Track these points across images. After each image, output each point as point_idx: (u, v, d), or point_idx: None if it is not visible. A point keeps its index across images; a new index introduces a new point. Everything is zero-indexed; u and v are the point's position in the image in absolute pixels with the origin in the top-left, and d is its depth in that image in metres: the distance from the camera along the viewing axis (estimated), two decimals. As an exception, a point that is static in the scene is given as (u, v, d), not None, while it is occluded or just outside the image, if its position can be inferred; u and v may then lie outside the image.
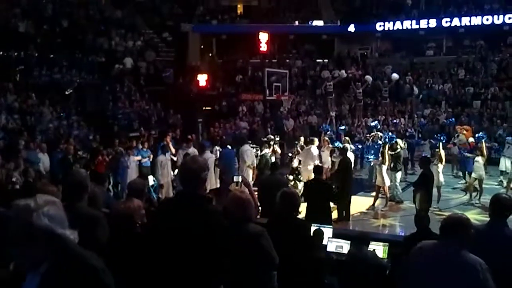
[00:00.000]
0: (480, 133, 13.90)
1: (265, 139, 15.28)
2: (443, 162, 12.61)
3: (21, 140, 13.46)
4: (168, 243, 3.43)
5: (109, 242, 3.68)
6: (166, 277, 3.40)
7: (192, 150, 13.17)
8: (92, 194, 4.28)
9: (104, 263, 2.32)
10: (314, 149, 13.41)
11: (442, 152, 12.61)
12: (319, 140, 14.22)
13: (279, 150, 15.05)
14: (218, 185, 12.97)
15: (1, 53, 19.82)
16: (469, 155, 13.67)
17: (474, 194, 12.90)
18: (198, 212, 3.48)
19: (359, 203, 12.70)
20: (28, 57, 20.34)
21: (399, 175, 13.22)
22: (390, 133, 14.35)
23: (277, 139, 15.67)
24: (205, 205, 3.59)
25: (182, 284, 3.37)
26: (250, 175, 12.73)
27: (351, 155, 13.16)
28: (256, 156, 13.70)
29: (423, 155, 13.38)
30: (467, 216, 3.62)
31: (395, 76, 22.55)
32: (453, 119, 20.16)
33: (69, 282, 2.16)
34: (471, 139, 14.66)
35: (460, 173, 15.28)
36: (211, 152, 13.47)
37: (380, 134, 14.77)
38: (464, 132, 15.77)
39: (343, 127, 17.59)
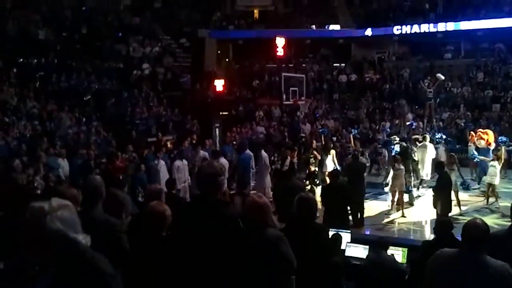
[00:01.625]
0: (502, 137, 13.69)
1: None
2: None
3: (41, 146, 13.62)
4: (186, 247, 3.45)
5: (138, 242, 3.73)
6: (186, 280, 3.43)
7: (203, 154, 13.30)
8: (121, 199, 4.32)
9: (128, 264, 2.33)
10: (430, 146, 13.97)
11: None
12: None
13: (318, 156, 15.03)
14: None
15: (21, 60, 20.12)
16: (482, 157, 13.49)
17: (492, 199, 12.67)
18: (214, 216, 3.50)
19: (377, 207, 12.63)
20: (48, 63, 20.62)
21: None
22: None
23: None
24: (221, 209, 3.60)
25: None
26: (269, 180, 12.85)
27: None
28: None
29: (439, 159, 13.33)
30: (484, 220, 3.54)
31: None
32: (471, 124, 19.82)
33: (78, 285, 2.19)
34: (492, 144, 14.38)
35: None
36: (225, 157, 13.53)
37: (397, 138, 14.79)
38: (486, 136, 14.69)
39: (354, 131, 17.59)
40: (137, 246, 3.75)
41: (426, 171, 13.91)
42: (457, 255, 3.38)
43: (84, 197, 4.08)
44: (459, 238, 5.57)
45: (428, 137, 14.63)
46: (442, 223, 6.20)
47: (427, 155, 13.87)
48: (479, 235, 3.33)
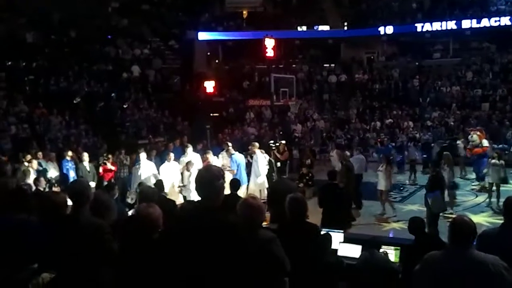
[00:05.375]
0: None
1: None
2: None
3: (30, 149, 13.54)
4: (182, 252, 3.41)
5: (129, 245, 3.70)
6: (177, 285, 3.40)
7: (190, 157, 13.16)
8: (105, 202, 4.31)
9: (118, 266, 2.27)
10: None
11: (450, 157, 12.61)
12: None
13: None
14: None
15: (10, 63, 19.98)
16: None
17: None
18: (213, 224, 3.45)
19: (369, 208, 12.66)
20: (37, 67, 20.49)
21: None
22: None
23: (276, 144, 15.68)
24: (220, 217, 3.54)
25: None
26: (265, 182, 12.82)
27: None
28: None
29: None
30: (468, 217, 3.56)
31: None
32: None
33: None
34: (485, 142, 14.62)
35: (470, 175, 15.21)
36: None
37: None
38: (478, 133, 15.27)
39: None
40: (129, 249, 3.72)
41: None
42: (448, 254, 3.39)
43: (71, 200, 4.08)
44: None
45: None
46: (413, 222, 6.25)
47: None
48: (468, 231, 3.36)
